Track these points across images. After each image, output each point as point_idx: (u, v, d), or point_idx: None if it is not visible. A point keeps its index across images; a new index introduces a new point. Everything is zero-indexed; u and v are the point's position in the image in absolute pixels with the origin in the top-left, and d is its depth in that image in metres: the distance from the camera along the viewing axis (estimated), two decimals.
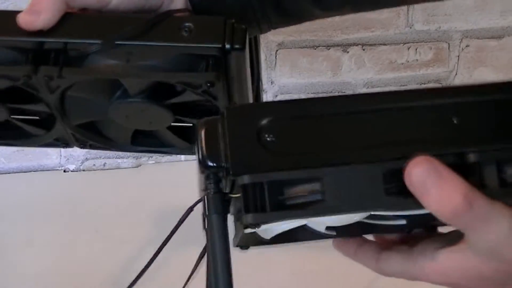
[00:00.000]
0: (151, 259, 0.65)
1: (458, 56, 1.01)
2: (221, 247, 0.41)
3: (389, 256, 0.47)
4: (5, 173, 0.98)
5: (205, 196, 0.42)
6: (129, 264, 0.83)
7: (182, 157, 0.97)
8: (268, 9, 0.56)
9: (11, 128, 0.57)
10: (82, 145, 0.59)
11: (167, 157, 0.99)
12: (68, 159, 0.98)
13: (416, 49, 0.99)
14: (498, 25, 1.00)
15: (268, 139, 0.41)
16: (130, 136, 0.58)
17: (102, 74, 0.50)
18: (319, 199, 0.40)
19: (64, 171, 0.98)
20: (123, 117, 0.54)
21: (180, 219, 0.55)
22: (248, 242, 0.49)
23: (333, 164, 0.40)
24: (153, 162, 1.00)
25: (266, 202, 0.40)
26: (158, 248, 0.62)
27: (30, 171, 0.99)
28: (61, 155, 0.98)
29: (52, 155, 0.98)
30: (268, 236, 0.48)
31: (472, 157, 0.40)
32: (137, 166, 0.99)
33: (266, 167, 0.40)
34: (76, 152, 0.97)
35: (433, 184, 0.39)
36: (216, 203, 0.42)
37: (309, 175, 0.40)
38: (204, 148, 0.41)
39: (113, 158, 0.98)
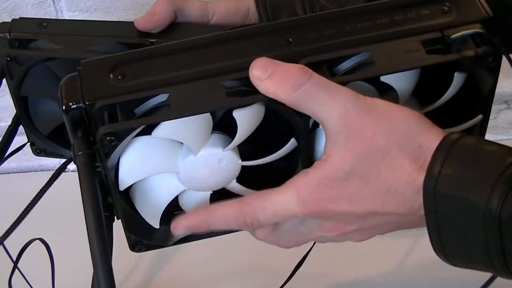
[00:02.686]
0: None
1: None
2: (88, 184, 0.44)
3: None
4: (5, 173, 0.98)
5: (73, 143, 0.46)
6: (129, 264, 0.84)
7: None
8: None
9: None
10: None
11: None
12: None
13: None
14: None
15: (119, 77, 0.46)
16: None
17: None
18: (166, 106, 0.45)
19: (64, 171, 0.97)
20: None
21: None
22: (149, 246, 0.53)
23: (177, 82, 0.46)
24: None
25: (118, 116, 0.45)
26: None
27: (30, 171, 0.99)
28: None
29: None
30: (169, 242, 0.53)
31: (304, 61, 0.46)
32: None
33: (116, 92, 0.45)
34: None
35: (272, 68, 0.45)
36: (80, 144, 0.45)
37: (155, 94, 0.45)
38: (64, 96, 0.46)
39: None
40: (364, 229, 0.47)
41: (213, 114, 0.47)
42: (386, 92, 0.49)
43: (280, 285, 0.71)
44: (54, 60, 0.57)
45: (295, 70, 0.45)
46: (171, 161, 0.48)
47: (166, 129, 0.45)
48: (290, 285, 0.71)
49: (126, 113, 0.45)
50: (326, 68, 0.47)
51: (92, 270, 0.80)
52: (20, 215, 0.49)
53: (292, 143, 0.48)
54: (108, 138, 0.44)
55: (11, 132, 0.60)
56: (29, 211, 0.50)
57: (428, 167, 0.42)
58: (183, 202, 0.52)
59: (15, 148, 0.61)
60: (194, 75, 0.46)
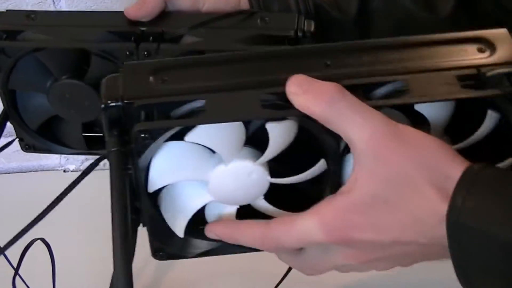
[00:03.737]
0: None
1: None
2: (118, 180, 0.45)
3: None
4: (5, 173, 0.98)
5: (108, 140, 0.46)
6: None
7: None
8: None
9: None
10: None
11: None
12: (68, 159, 0.98)
13: None
14: None
15: (159, 81, 0.47)
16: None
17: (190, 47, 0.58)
18: (202, 111, 0.46)
19: (64, 171, 0.97)
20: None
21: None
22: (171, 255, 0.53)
23: (214, 90, 0.47)
24: None
25: (154, 115, 0.46)
26: None
27: (30, 171, 0.99)
28: (60, 155, 0.97)
29: (52, 155, 0.97)
30: (191, 253, 0.53)
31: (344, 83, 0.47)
32: None
33: (155, 94, 0.47)
34: None
35: (309, 84, 0.45)
36: (114, 141, 0.46)
37: (192, 98, 0.46)
38: (105, 93, 0.46)
39: None
40: (387, 257, 0.47)
41: (246, 127, 0.48)
42: (418, 125, 0.49)
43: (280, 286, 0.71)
44: (42, 50, 0.57)
45: (330, 87, 0.45)
46: (202, 169, 0.49)
47: (200, 133, 0.46)
48: (290, 286, 0.70)
49: (162, 115, 0.46)
50: (361, 91, 0.47)
51: (93, 270, 0.81)
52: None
53: (321, 164, 0.48)
54: (142, 135, 0.45)
55: None
56: (49, 211, 0.50)
57: (451, 198, 0.42)
58: (208, 214, 0.53)
59: (2, 145, 0.61)
60: (231, 86, 0.47)
